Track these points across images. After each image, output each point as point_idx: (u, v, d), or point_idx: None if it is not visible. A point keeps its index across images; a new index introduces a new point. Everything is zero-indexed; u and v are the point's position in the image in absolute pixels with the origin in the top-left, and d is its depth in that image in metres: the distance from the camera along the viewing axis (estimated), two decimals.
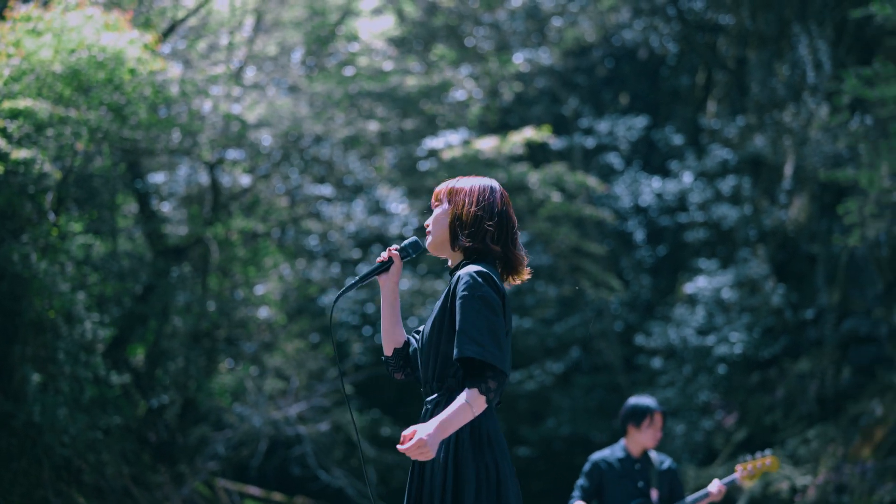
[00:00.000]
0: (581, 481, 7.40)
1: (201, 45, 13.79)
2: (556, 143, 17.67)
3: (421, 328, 4.64)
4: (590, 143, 18.82)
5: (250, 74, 14.38)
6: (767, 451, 7.47)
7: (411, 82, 14.62)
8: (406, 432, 4.08)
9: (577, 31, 18.16)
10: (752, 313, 15.65)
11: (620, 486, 7.33)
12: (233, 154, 14.13)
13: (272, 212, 14.55)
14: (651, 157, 19.37)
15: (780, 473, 13.12)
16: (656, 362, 16.89)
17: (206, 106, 12.47)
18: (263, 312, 14.81)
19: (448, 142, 15.29)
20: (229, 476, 15.69)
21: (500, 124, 18.31)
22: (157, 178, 14.93)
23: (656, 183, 18.21)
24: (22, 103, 9.20)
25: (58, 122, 9.58)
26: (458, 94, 15.88)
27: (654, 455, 7.48)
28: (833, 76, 13.56)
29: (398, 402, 17.94)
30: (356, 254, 16.67)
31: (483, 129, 17.25)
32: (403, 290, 15.82)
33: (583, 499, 7.35)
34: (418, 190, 15.67)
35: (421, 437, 4.03)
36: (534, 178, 14.81)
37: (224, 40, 13.92)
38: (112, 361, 12.26)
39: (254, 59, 14.31)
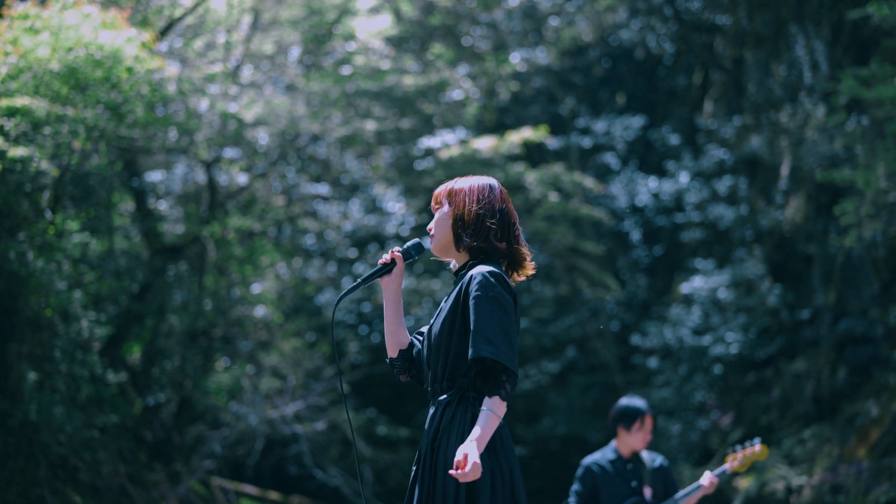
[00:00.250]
0: (575, 486, 7.42)
1: (198, 44, 13.79)
2: (552, 142, 17.67)
3: (423, 329, 4.64)
4: (586, 142, 18.83)
5: (247, 73, 14.38)
6: (756, 440, 7.48)
7: (408, 81, 14.63)
8: (458, 458, 4.08)
9: (574, 31, 18.16)
10: (748, 313, 15.66)
11: (614, 488, 7.35)
12: (230, 153, 14.13)
13: (269, 210, 14.55)
14: (648, 157, 19.39)
15: (775, 473, 13.14)
16: (652, 362, 16.90)
17: (203, 104, 12.48)
18: (260, 311, 14.81)
19: (445, 141, 15.29)
20: (225, 475, 15.69)
21: (497, 124, 18.32)
22: (154, 176, 14.93)
23: (653, 183, 18.22)
24: (19, 101, 9.19)
25: (55, 121, 9.57)
26: (455, 94, 15.88)
27: (645, 454, 7.50)
28: (830, 77, 13.58)
29: (394, 401, 17.94)
30: (352, 253, 16.68)
31: (480, 128, 17.26)
32: (402, 288, 15.80)
33: (578, 503, 7.37)
34: (415, 189, 15.68)
35: (475, 460, 4.06)
36: (531, 177, 14.82)
37: (221, 39, 13.92)
38: (108, 360, 12.25)
39: (251, 57, 14.31)
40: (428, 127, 15.68)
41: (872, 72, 10.84)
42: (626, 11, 18.20)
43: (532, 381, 18.26)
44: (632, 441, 7.42)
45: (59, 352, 10.65)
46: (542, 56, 18.06)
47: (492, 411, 4.16)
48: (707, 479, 7.30)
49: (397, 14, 16.76)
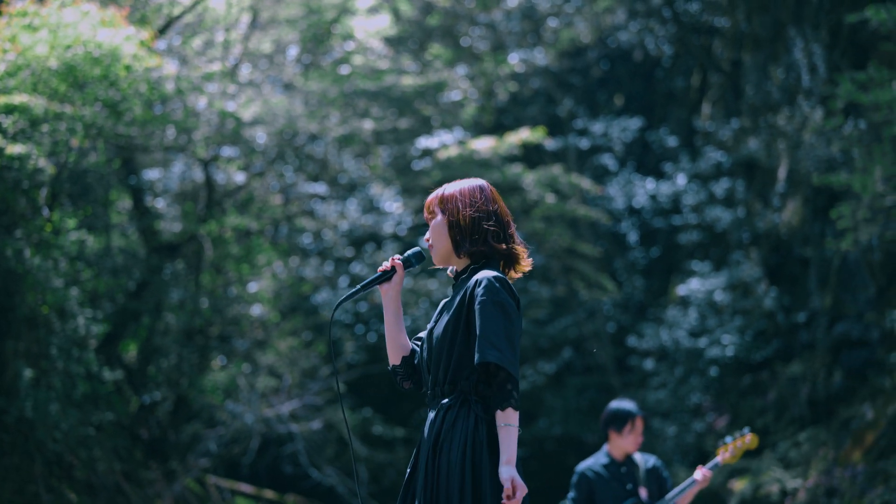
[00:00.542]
0: (572, 494, 7.43)
1: (197, 42, 13.80)
2: (550, 143, 17.68)
3: (421, 335, 4.65)
4: (584, 144, 18.83)
5: (245, 72, 14.38)
6: (746, 429, 7.50)
7: (407, 82, 14.63)
8: (507, 488, 4.15)
9: (573, 32, 18.17)
10: (744, 316, 15.66)
11: (610, 492, 7.36)
12: (227, 151, 14.13)
13: (266, 209, 14.56)
14: (645, 159, 19.39)
15: (770, 476, 13.15)
16: (648, 364, 16.90)
17: (202, 103, 12.48)
18: (256, 310, 14.82)
19: (443, 141, 15.30)
20: (221, 473, 15.69)
21: (495, 124, 18.33)
22: (152, 174, 14.92)
23: (650, 184, 18.22)
24: (17, 99, 9.20)
25: (53, 118, 9.58)
26: (453, 94, 15.89)
27: (638, 456, 7.52)
28: (828, 80, 13.58)
29: (390, 400, 17.94)
30: (349, 252, 16.68)
31: (478, 129, 17.26)
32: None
33: None
34: (412, 189, 15.69)
35: (519, 483, 4.17)
36: (528, 178, 14.83)
37: (220, 37, 13.93)
38: (105, 357, 12.26)
39: (249, 56, 14.31)
40: (426, 127, 15.69)
41: (870, 76, 10.85)
42: (625, 13, 18.21)
43: (528, 381, 18.26)
44: (623, 444, 7.43)
45: (55, 349, 10.66)
46: (541, 57, 18.07)
47: (509, 425, 4.21)
48: (700, 473, 7.32)
49: (396, 14, 16.77)
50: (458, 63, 16.82)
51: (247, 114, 12.86)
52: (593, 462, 7.50)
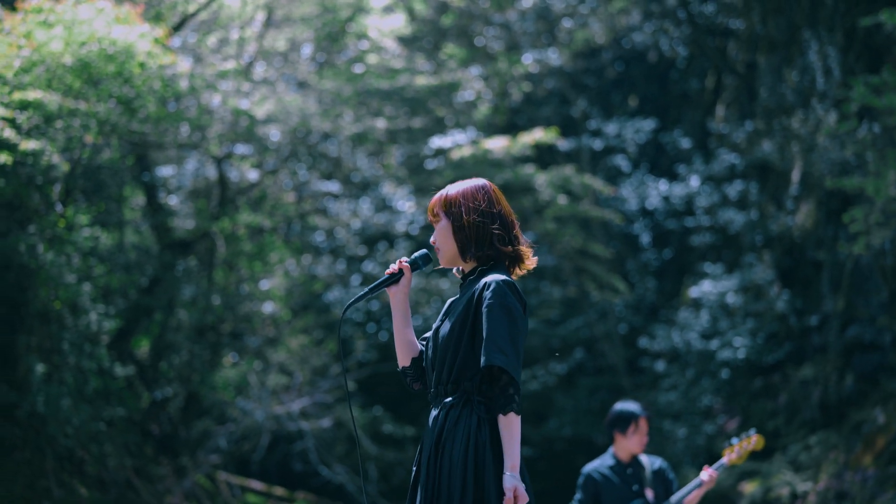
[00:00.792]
0: (578, 496, 7.46)
1: (212, 40, 13.82)
2: (563, 144, 17.67)
3: (427, 335, 4.66)
4: (598, 144, 18.82)
5: (260, 70, 14.40)
6: (752, 431, 7.50)
7: (420, 82, 14.63)
8: (507, 497, 4.18)
9: (588, 33, 18.16)
10: (756, 318, 15.64)
11: (616, 493, 7.38)
12: (241, 149, 14.16)
13: (279, 207, 14.58)
14: (659, 160, 19.37)
15: (781, 479, 13.13)
16: (660, 365, 16.89)
17: (216, 100, 12.51)
18: (268, 307, 14.84)
19: (456, 141, 15.30)
20: (231, 470, 15.73)
21: (509, 124, 18.32)
22: (165, 171, 14.96)
23: (663, 186, 18.21)
24: (32, 95, 9.24)
25: (67, 114, 9.62)
26: (467, 94, 15.89)
27: (644, 458, 7.53)
28: (842, 83, 13.55)
29: (400, 399, 17.96)
30: (362, 250, 16.70)
31: (491, 129, 17.26)
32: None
33: None
34: (425, 188, 15.69)
35: (521, 493, 4.19)
36: (540, 179, 14.82)
37: (234, 35, 13.95)
38: (117, 353, 12.30)
39: (264, 54, 14.33)
40: (439, 126, 15.70)
41: (884, 79, 10.82)
42: (640, 14, 18.19)
43: (539, 381, 18.27)
44: (629, 444, 7.44)
45: (67, 344, 10.70)
46: (555, 57, 18.06)
47: (511, 431, 4.23)
48: (706, 474, 7.33)
49: (411, 13, 16.78)
50: (472, 63, 16.82)
51: (260, 112, 12.89)
52: (599, 464, 7.53)
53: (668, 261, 19.01)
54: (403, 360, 4.68)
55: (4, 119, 9.16)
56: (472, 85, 15.94)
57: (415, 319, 15.80)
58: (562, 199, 15.00)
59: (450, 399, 4.41)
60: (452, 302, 4.54)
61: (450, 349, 4.41)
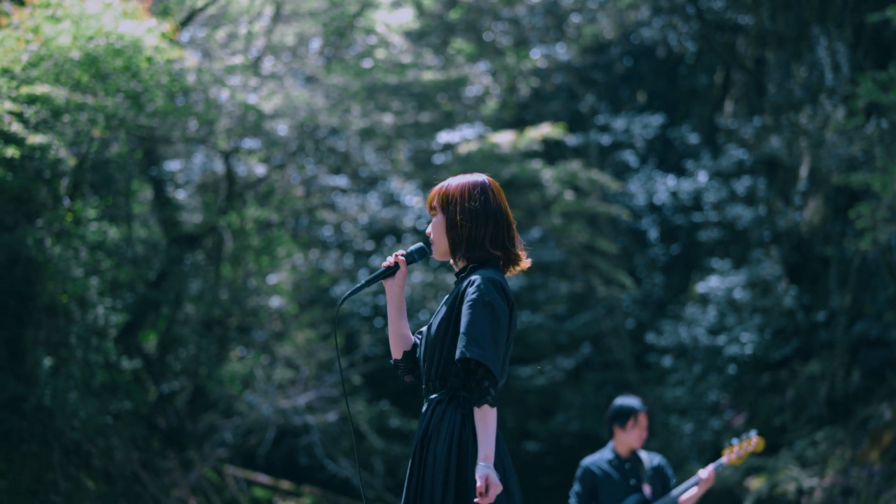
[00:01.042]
0: (576, 487, 7.51)
1: (220, 35, 13.84)
2: (571, 139, 17.67)
3: (423, 329, 4.69)
4: (606, 140, 18.82)
5: (268, 64, 14.41)
6: (753, 433, 7.52)
7: (427, 77, 14.63)
8: (479, 485, 4.14)
9: (596, 28, 18.14)
10: (763, 314, 15.64)
11: (614, 487, 7.42)
12: (249, 143, 14.18)
13: (287, 201, 14.60)
14: (667, 156, 19.36)
15: (787, 475, 13.14)
16: (667, 361, 16.90)
17: (224, 95, 12.52)
18: (275, 302, 14.87)
19: (464, 136, 15.30)
20: (237, 464, 15.77)
21: (517, 119, 18.31)
22: (173, 165, 14.99)
23: (671, 181, 18.22)
24: (39, 89, 9.27)
25: (74, 109, 9.64)
26: (475, 89, 15.89)
27: (643, 454, 7.57)
28: (850, 79, 13.53)
29: (407, 393, 17.99)
30: (369, 245, 16.71)
31: (499, 124, 17.25)
32: (416, 282, 15.86)
33: None
34: (433, 183, 15.62)
35: (493, 482, 4.14)
36: (547, 174, 14.82)
37: (243, 29, 13.97)
38: (124, 347, 12.34)
39: (272, 49, 14.34)
40: (447, 121, 15.69)
41: (891, 75, 10.81)
42: (649, 9, 18.17)
43: (546, 377, 18.29)
44: (628, 439, 7.48)
45: (74, 338, 10.73)
46: (563, 53, 18.05)
47: (485, 423, 4.21)
48: (704, 473, 7.35)
49: (419, 8, 16.75)
50: (480, 58, 16.82)
51: (268, 106, 12.90)
52: (598, 457, 7.58)
53: (676, 256, 19.01)
54: (396, 352, 4.72)
55: (12, 113, 9.18)
56: (480, 80, 15.93)
57: (422, 314, 15.82)
58: (569, 195, 14.99)
59: (436, 395, 4.45)
60: (446, 297, 4.57)
61: (437, 345, 4.43)
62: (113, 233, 11.81)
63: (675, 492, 7.40)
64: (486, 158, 14.33)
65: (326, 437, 15.30)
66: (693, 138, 18.73)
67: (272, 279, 14.76)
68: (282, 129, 13.70)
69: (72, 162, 10.32)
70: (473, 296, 4.31)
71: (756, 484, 13.57)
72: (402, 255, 4.65)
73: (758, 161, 16.73)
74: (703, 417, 15.62)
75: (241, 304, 13.87)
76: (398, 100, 14.60)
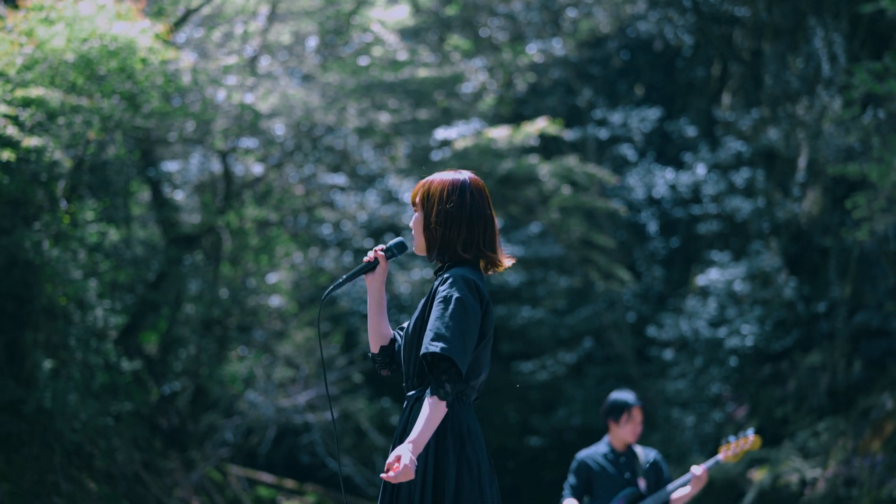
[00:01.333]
0: (570, 480, 7.55)
1: (216, 35, 13.84)
2: (569, 134, 17.65)
3: (405, 324, 4.69)
4: (603, 134, 18.81)
5: (265, 63, 14.41)
6: (750, 431, 7.54)
7: (424, 74, 14.62)
8: (389, 460, 4.11)
9: (592, 23, 18.12)
10: (763, 306, 15.64)
11: (608, 480, 7.47)
12: (246, 143, 14.19)
13: (285, 200, 14.61)
14: (665, 149, 19.35)
15: (790, 466, 13.14)
16: (668, 354, 16.90)
17: (220, 95, 12.52)
18: (275, 301, 14.88)
19: (461, 132, 15.29)
20: (238, 463, 15.78)
21: (515, 115, 18.31)
22: (171, 166, 15.00)
23: (670, 174, 18.20)
24: (34, 92, 9.27)
25: (69, 111, 9.65)
26: (472, 86, 15.87)
27: (639, 449, 7.60)
28: (847, 70, 13.53)
29: None
30: (368, 243, 16.72)
31: (497, 119, 17.25)
32: (415, 279, 15.87)
33: (573, 496, 7.48)
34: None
35: (405, 463, 4.06)
36: (544, 169, 14.82)
37: (239, 29, 13.96)
38: (124, 348, 12.35)
39: (268, 48, 14.34)
40: (445, 118, 15.68)
41: (885, 65, 10.80)
42: (645, 3, 18.15)
43: (548, 371, 18.31)
44: (622, 433, 7.52)
45: (74, 340, 10.75)
46: (559, 48, 18.03)
47: (428, 413, 4.17)
48: (699, 470, 7.37)
49: (415, 4, 16.74)
50: (476, 54, 16.80)
51: (264, 106, 12.90)
52: (594, 451, 7.62)
53: (676, 249, 19.00)
54: (374, 346, 4.72)
55: (7, 116, 9.19)
56: (477, 76, 15.92)
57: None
58: (566, 190, 14.99)
59: (413, 392, 4.44)
60: (424, 297, 4.57)
61: (413, 344, 4.43)
62: (112, 234, 11.83)
63: (669, 486, 7.42)
64: (483, 154, 14.33)
65: (327, 436, 15.31)
66: (691, 131, 18.72)
67: (271, 278, 14.77)
68: (278, 128, 13.70)
69: (68, 164, 10.33)
70: (443, 294, 4.30)
71: (759, 476, 13.57)
72: (381, 251, 4.66)
73: (756, 153, 16.72)
74: (704, 410, 15.63)
75: (241, 304, 13.88)
76: (394, 97, 14.59)
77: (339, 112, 13.85)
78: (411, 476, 4.08)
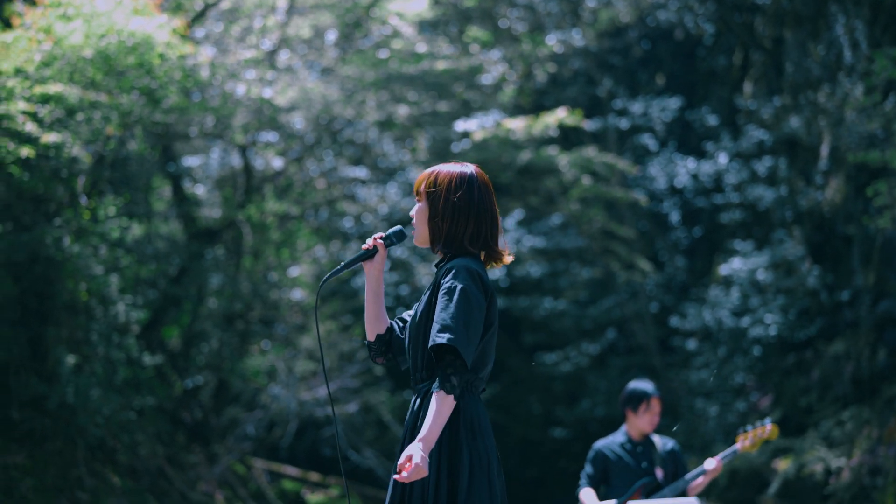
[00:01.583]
0: (587, 469, 7.53)
1: (235, 29, 13.86)
2: (590, 124, 17.60)
3: (405, 315, 4.68)
4: (624, 124, 18.74)
5: (284, 57, 14.42)
6: (767, 420, 7.49)
7: (442, 66, 14.60)
8: (401, 461, 4.12)
9: (612, 12, 18.06)
10: (787, 295, 15.55)
11: (625, 469, 7.43)
12: (265, 137, 14.21)
13: (306, 194, 14.62)
14: (686, 138, 19.26)
15: (814, 455, 13.08)
16: (691, 344, 16.84)
17: (240, 89, 12.55)
18: (296, 294, 14.90)
19: (481, 124, 15.26)
20: (260, 456, 15.83)
21: (535, 106, 18.25)
22: (191, 161, 15.03)
23: (691, 164, 18.12)
24: (53, 88, 9.31)
25: (88, 107, 9.69)
26: (491, 77, 15.84)
27: (656, 438, 7.56)
28: (868, 56, 13.44)
29: None
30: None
31: (517, 110, 17.21)
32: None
33: (590, 485, 7.46)
34: None
35: (417, 462, 4.07)
36: (563, 160, 14.78)
37: (258, 23, 13.98)
38: (146, 343, 12.40)
39: (287, 41, 14.35)
40: (465, 110, 15.66)
41: None
42: None
43: (571, 362, 18.27)
44: (639, 423, 7.49)
45: (95, 335, 10.81)
46: (579, 38, 17.97)
47: (437, 409, 4.17)
48: (712, 463, 7.35)
49: None
50: (496, 45, 16.76)
51: (283, 99, 12.91)
52: (611, 440, 7.60)
53: (698, 239, 18.92)
54: (370, 334, 4.71)
55: (26, 113, 9.24)
56: (496, 67, 15.88)
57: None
58: (586, 180, 14.94)
59: (423, 385, 4.43)
60: (427, 288, 4.56)
61: (420, 336, 4.42)
62: (135, 229, 11.88)
63: (687, 476, 7.39)
64: (502, 145, 14.31)
65: (349, 428, 15.33)
66: (712, 120, 18.63)
67: (293, 272, 14.80)
68: (298, 121, 13.71)
69: (87, 160, 10.37)
70: (448, 284, 4.29)
71: (783, 465, 13.52)
72: (380, 238, 4.65)
73: (778, 141, 16.61)
74: (728, 400, 15.57)
75: (263, 298, 13.91)
76: (414, 90, 14.58)
77: (358, 105, 13.86)
78: (424, 474, 4.09)
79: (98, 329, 10.85)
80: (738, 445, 7.48)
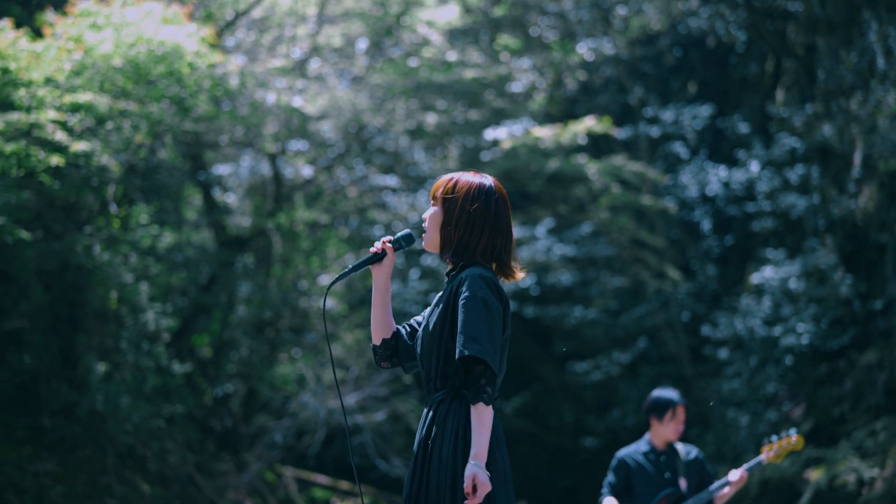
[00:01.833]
0: (609, 478, 7.47)
1: (266, 38, 13.92)
2: (621, 132, 17.55)
3: (412, 321, 4.67)
4: (655, 132, 18.67)
5: (315, 66, 14.46)
6: (793, 431, 7.43)
7: (471, 74, 14.60)
8: (466, 484, 4.12)
9: (643, 20, 18.02)
10: (819, 304, 15.44)
11: (648, 479, 7.37)
12: (295, 145, 14.25)
13: (336, 202, 14.65)
14: (718, 146, 19.17)
15: (847, 466, 12.98)
16: (723, 353, 16.75)
17: (270, 98, 12.59)
18: (326, 303, 14.90)
19: (511, 132, 15.25)
20: (289, 464, 15.85)
21: (566, 114, 18.23)
22: (221, 169, 15.09)
23: (723, 172, 18.02)
24: (82, 97, 9.37)
25: (118, 116, 9.75)
26: (521, 85, 15.83)
27: (680, 446, 7.49)
28: None
29: None
30: (419, 244, 16.72)
31: (548, 119, 17.19)
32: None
33: (612, 495, 7.40)
34: None
35: (481, 481, 4.11)
36: (592, 168, 14.75)
37: (288, 32, 14.03)
38: (176, 351, 12.45)
39: (318, 50, 14.39)
40: (496, 118, 15.66)
41: None
42: None
43: (602, 371, 18.21)
44: (664, 432, 7.43)
45: (125, 343, 10.86)
46: (610, 46, 17.94)
47: (480, 421, 4.18)
48: (736, 474, 7.29)
49: (465, 5, 16.73)
50: (526, 53, 16.76)
51: (313, 108, 12.94)
52: (634, 449, 7.55)
53: (730, 247, 18.82)
54: (376, 338, 4.71)
55: (56, 122, 9.30)
56: (527, 76, 15.87)
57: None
58: (615, 188, 14.90)
59: (439, 394, 4.42)
60: (438, 297, 4.54)
61: (434, 345, 4.41)
62: (167, 238, 11.94)
63: (712, 487, 7.33)
64: (531, 153, 14.29)
65: (378, 437, 15.33)
66: (744, 128, 18.52)
67: (323, 280, 14.83)
68: (327, 130, 13.74)
69: (116, 168, 10.43)
70: (467, 293, 4.29)
71: (815, 476, 13.43)
72: (389, 242, 4.64)
73: (810, 149, 16.51)
74: (759, 410, 15.47)
75: (292, 306, 13.94)
76: (444, 98, 14.59)
77: (388, 114, 13.88)
78: (489, 488, 4.12)
79: (128, 337, 10.91)
80: (763, 456, 7.42)
